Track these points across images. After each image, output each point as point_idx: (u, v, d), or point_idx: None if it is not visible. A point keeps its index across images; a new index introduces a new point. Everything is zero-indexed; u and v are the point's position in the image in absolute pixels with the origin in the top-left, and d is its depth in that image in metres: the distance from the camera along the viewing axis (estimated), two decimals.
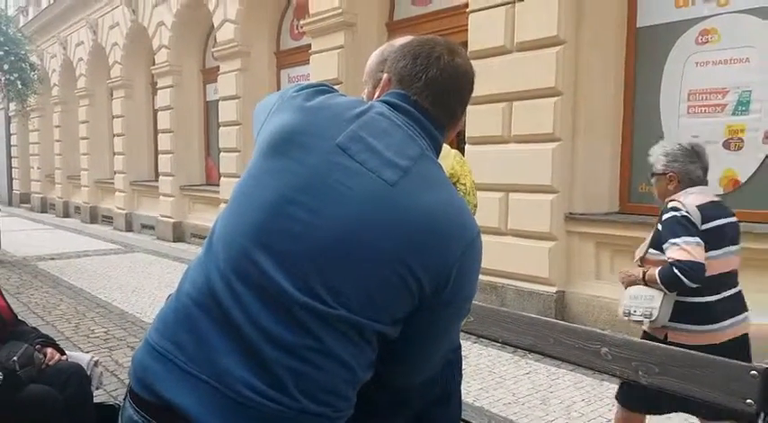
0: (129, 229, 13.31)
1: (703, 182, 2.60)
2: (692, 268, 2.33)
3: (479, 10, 5.72)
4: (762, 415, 1.88)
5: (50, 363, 2.61)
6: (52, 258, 9.59)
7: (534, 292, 5.33)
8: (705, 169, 2.62)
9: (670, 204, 2.50)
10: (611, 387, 3.92)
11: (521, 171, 5.38)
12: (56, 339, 2.90)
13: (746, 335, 2.53)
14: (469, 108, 5.63)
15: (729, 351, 2.18)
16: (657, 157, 2.65)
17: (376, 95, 1.30)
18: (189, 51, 11.39)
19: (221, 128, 10.00)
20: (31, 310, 6.09)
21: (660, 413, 2.64)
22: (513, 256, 5.46)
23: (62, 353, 2.73)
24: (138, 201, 13.33)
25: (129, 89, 13.13)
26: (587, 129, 5.28)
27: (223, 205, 9.62)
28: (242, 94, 9.51)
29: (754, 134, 4.57)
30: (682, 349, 2.30)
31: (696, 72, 4.86)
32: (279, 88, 9.55)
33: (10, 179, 21.46)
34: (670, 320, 2.45)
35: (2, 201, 17.52)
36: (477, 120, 5.74)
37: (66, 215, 16.69)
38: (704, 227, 2.41)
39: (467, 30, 5.87)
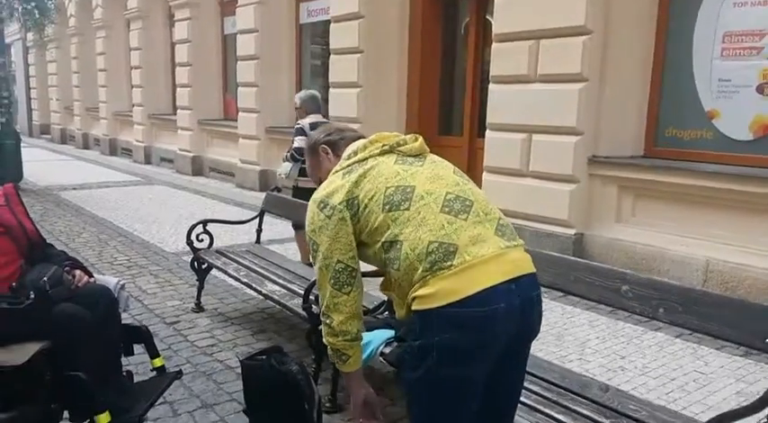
0: (148, 161, 13.39)
1: (316, 111, 5.09)
2: (297, 152, 4.82)
3: None
4: None
5: (79, 284, 2.66)
6: (74, 188, 9.73)
7: (553, 233, 5.33)
8: (319, 105, 5.17)
9: (297, 123, 5.06)
10: (627, 326, 3.97)
11: (545, 112, 5.27)
12: None
13: None
14: (494, 46, 5.50)
15: None
16: (296, 98, 5.26)
17: None
18: None
19: (239, 62, 9.87)
20: (55, 236, 6.23)
21: None
22: (533, 199, 5.43)
23: (90, 275, 2.79)
24: (156, 134, 13.35)
25: (146, 21, 12.92)
26: (616, 69, 5.13)
27: (242, 141, 9.55)
28: (260, 28, 9.31)
29: None
30: (701, 290, 2.33)
31: (733, 12, 4.65)
32: (297, 22, 9.36)
33: (29, 110, 21.53)
34: (298, 176, 4.95)
35: (22, 132, 17.62)
36: (502, 58, 5.59)
37: (86, 147, 16.80)
38: (310, 133, 4.33)
39: None
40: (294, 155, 4.91)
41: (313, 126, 4.79)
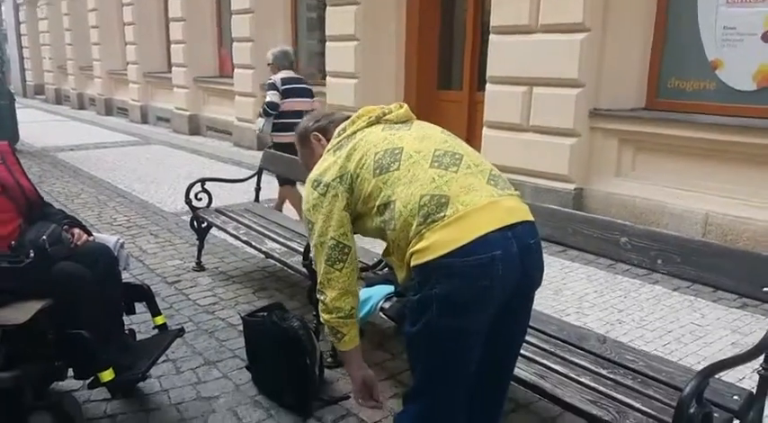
0: (144, 121, 13.26)
1: (288, 67, 5.21)
2: (269, 106, 5.00)
3: None
4: None
5: (78, 243, 2.66)
6: (71, 149, 9.67)
7: (552, 189, 5.31)
8: (291, 62, 5.28)
9: (269, 79, 5.15)
10: (625, 280, 4.00)
11: (546, 63, 5.17)
12: None
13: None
14: None
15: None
16: (269, 54, 5.31)
17: None
18: None
19: (234, 16, 9.65)
20: (53, 197, 6.21)
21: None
22: (533, 153, 5.39)
23: (89, 234, 2.79)
24: (152, 92, 13.17)
25: None
26: (618, 19, 5.01)
27: (238, 98, 9.45)
28: None
29: None
30: (699, 240, 2.32)
31: None
32: None
33: (22, 70, 21.19)
34: (272, 131, 5.07)
35: (16, 92, 17.42)
36: (502, 8, 5.46)
37: (82, 107, 16.61)
38: (282, 88, 5.03)
39: None
40: (267, 110, 5.04)
41: (285, 81, 5.08)
